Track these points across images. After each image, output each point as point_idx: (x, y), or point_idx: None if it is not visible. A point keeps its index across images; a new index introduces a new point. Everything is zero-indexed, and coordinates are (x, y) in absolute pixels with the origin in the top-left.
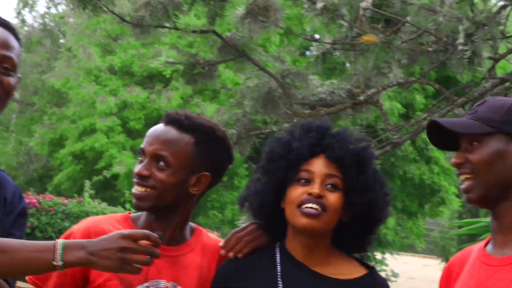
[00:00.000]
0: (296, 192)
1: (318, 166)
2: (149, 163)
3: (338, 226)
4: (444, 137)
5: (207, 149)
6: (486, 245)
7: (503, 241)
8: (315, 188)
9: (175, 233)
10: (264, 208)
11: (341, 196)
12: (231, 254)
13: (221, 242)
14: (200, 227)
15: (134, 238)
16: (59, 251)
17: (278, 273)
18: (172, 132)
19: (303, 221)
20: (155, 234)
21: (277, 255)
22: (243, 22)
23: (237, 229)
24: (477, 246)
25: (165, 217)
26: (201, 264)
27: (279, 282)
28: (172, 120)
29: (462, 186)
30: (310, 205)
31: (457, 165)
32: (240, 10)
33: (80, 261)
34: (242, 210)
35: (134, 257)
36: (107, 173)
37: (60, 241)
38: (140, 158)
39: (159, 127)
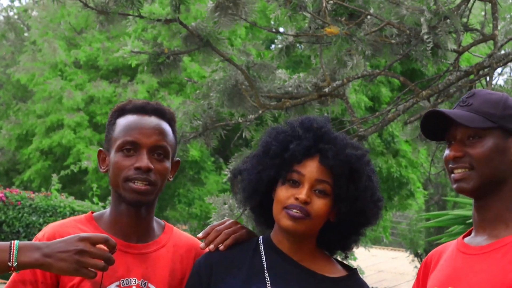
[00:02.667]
0: (285, 193)
1: (310, 169)
2: (149, 156)
3: (325, 225)
4: (433, 128)
5: (176, 136)
6: (465, 236)
7: (484, 233)
8: (302, 194)
9: (144, 228)
10: (253, 196)
11: (328, 203)
12: (211, 247)
13: (200, 234)
14: (170, 224)
15: (92, 242)
16: (14, 252)
17: (264, 265)
18: (160, 122)
19: (287, 222)
20: (113, 240)
21: (261, 248)
22: (213, 16)
23: (215, 223)
24: (457, 239)
25: (141, 212)
26: (173, 261)
27: (266, 274)
28: (155, 111)
29: (455, 176)
30: (295, 210)
31: (455, 158)
32: (211, 4)
33: (35, 263)
34: (234, 182)
35: (91, 261)
36: (74, 168)
37: (15, 242)
38: (128, 153)
39: (147, 119)
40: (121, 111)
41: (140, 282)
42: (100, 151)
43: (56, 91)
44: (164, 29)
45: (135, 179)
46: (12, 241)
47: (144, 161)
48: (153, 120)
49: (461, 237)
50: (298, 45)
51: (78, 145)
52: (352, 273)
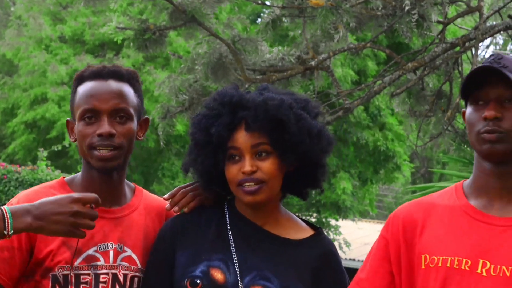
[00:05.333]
0: (231, 172)
1: (242, 140)
2: (110, 121)
3: (287, 176)
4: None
5: (140, 94)
6: (464, 198)
7: (501, 201)
8: (246, 166)
9: (117, 193)
10: (211, 181)
11: (275, 160)
12: (176, 209)
13: (166, 195)
14: (140, 187)
15: (84, 202)
16: (9, 220)
17: (229, 231)
18: (118, 85)
19: (246, 198)
20: (99, 199)
21: (227, 214)
22: None
23: (183, 185)
24: (441, 200)
25: (112, 176)
26: (145, 223)
27: (231, 240)
28: (111, 74)
29: (489, 136)
30: (247, 184)
31: (494, 118)
32: None
33: (29, 227)
34: (186, 176)
35: (85, 222)
36: (59, 146)
37: (6, 209)
38: (89, 120)
39: (103, 83)
40: (81, 79)
41: (117, 246)
42: (68, 122)
43: (40, 64)
44: (150, 4)
45: (99, 146)
46: (3, 208)
47: (104, 127)
48: (110, 84)
49: (461, 200)
50: (284, 19)
51: (62, 119)
52: (317, 233)
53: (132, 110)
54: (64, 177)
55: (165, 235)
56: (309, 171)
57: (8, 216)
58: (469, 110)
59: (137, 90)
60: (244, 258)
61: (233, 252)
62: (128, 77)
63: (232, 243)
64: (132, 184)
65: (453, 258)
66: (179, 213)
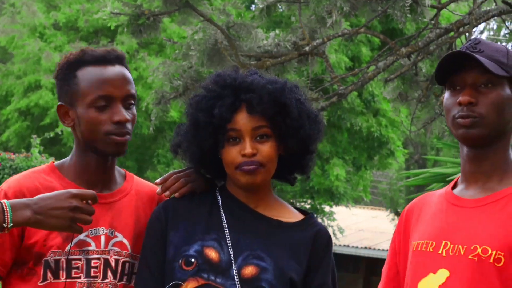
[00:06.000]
0: (230, 154)
1: (243, 122)
2: (124, 107)
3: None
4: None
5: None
6: (453, 188)
7: (475, 185)
8: (247, 148)
9: (108, 177)
10: (204, 164)
11: (273, 144)
12: (167, 193)
13: (158, 179)
14: (130, 173)
15: (83, 198)
16: (8, 213)
17: (222, 213)
18: (124, 70)
19: (244, 179)
20: (96, 195)
21: (219, 198)
22: None
23: (176, 170)
24: (439, 191)
25: (107, 161)
26: (136, 208)
27: (224, 223)
28: (117, 59)
29: (464, 121)
30: (247, 166)
31: (468, 104)
32: None
33: (28, 221)
34: (176, 157)
35: (84, 217)
36: (51, 133)
37: (5, 202)
38: (102, 105)
39: (112, 69)
40: (79, 63)
41: (108, 231)
42: (60, 106)
43: (34, 52)
44: None
45: (116, 133)
46: (2, 202)
47: (122, 114)
48: (119, 70)
49: (448, 188)
50: (278, 5)
51: (56, 106)
52: (309, 217)
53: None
54: (54, 162)
55: (159, 215)
56: (301, 157)
57: (7, 209)
58: (446, 95)
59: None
60: (237, 238)
61: (226, 232)
62: (126, 61)
63: (225, 224)
64: (122, 170)
65: (423, 241)
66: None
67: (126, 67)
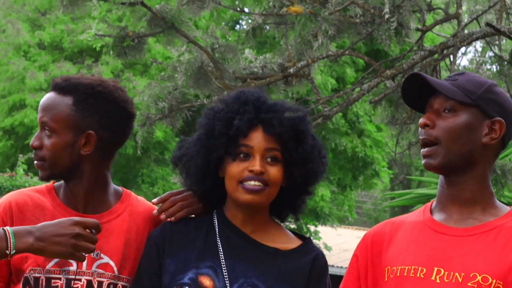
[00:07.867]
0: (237, 168)
1: (257, 140)
2: (40, 133)
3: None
4: (414, 95)
5: (89, 107)
6: (428, 213)
7: (460, 212)
8: (256, 165)
9: (90, 199)
10: (204, 180)
11: (281, 169)
12: (163, 217)
13: (155, 199)
14: (129, 191)
15: (85, 226)
16: (11, 240)
17: (218, 240)
18: (51, 97)
19: (246, 197)
20: (100, 225)
21: (215, 223)
22: (182, 2)
23: (174, 191)
24: (409, 217)
25: (72, 184)
26: (128, 230)
27: (220, 249)
28: (53, 86)
29: (423, 151)
30: (252, 182)
31: (424, 126)
32: None
33: (30, 248)
34: (175, 169)
35: (86, 245)
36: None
37: (8, 229)
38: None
39: (45, 96)
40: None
41: (93, 253)
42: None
43: (19, 71)
44: (128, 11)
45: (34, 158)
46: (5, 229)
47: (33, 139)
48: (48, 97)
49: (426, 214)
50: (265, 26)
51: None
52: (306, 242)
53: (53, 124)
54: (54, 182)
55: (157, 240)
56: (298, 195)
57: (10, 236)
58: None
59: (79, 100)
60: (232, 265)
61: (222, 259)
62: (70, 88)
63: (221, 251)
64: (120, 189)
65: (410, 267)
66: (167, 220)
67: (70, 93)
